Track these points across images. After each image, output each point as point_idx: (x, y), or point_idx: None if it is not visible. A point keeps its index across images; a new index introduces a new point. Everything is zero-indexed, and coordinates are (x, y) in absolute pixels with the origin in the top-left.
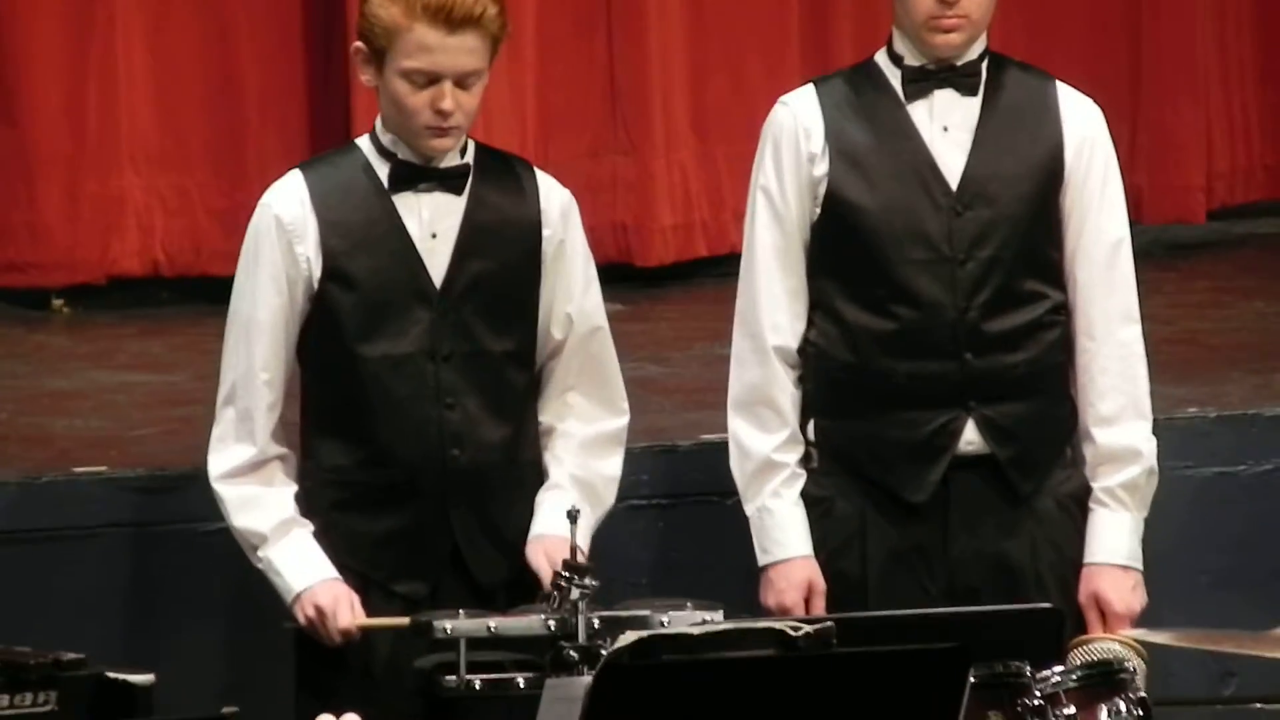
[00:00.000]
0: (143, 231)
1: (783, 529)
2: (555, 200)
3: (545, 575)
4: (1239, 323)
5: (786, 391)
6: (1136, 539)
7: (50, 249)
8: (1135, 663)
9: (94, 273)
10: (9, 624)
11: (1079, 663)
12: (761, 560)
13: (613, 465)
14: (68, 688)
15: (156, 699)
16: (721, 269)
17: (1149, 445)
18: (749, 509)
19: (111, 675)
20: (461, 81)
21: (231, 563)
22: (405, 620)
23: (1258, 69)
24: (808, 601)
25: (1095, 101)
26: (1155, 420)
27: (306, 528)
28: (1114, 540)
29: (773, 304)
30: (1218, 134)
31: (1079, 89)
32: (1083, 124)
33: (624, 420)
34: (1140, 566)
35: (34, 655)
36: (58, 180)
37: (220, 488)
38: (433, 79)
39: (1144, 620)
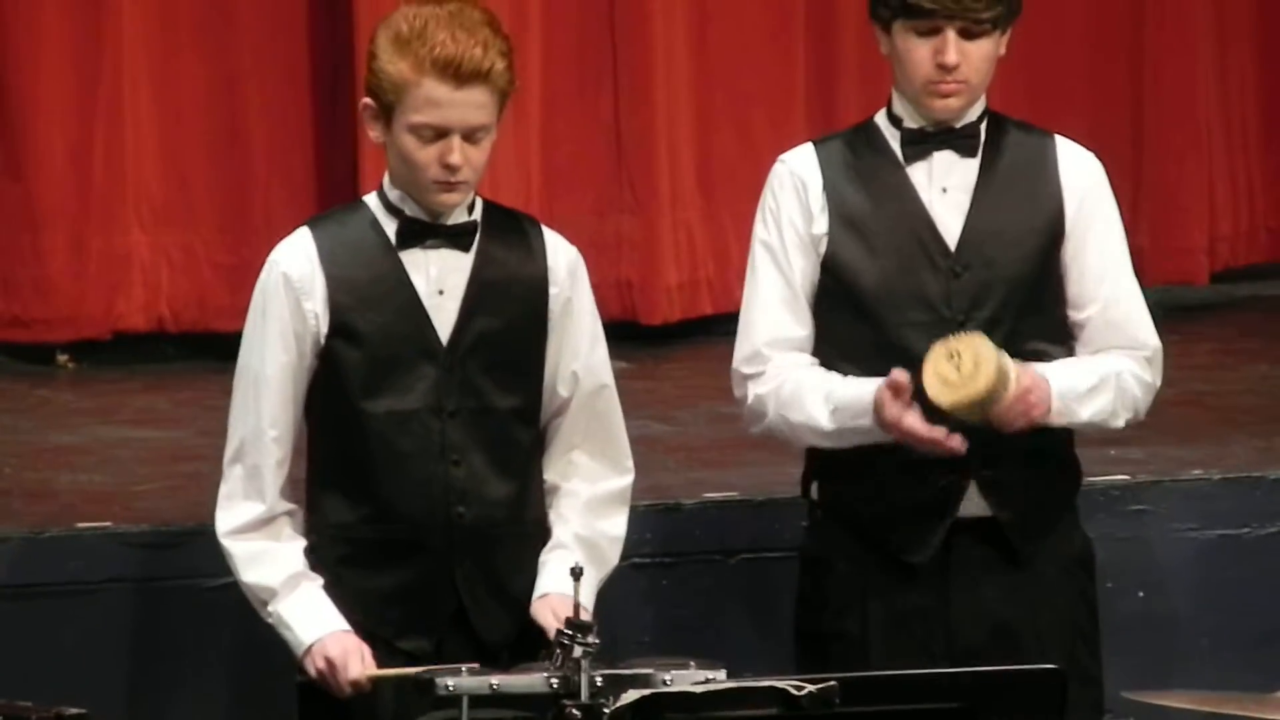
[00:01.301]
0: (148, 287)
1: (852, 390)
2: (563, 258)
3: (553, 631)
4: (1243, 385)
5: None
6: (1079, 394)
7: (55, 304)
8: (991, 369)
9: (99, 328)
10: (11, 678)
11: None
12: (869, 419)
13: (617, 525)
14: None
15: None
16: (726, 327)
17: (1147, 375)
18: (829, 424)
19: None
20: (470, 136)
21: (235, 619)
22: (414, 670)
23: (1261, 131)
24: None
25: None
26: (1160, 482)
27: (316, 581)
28: (1058, 371)
29: (772, 323)
30: (1221, 196)
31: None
32: (1082, 178)
33: (629, 479)
34: (1062, 420)
35: (36, 710)
36: (63, 236)
37: (228, 544)
38: (441, 133)
39: (1147, 682)
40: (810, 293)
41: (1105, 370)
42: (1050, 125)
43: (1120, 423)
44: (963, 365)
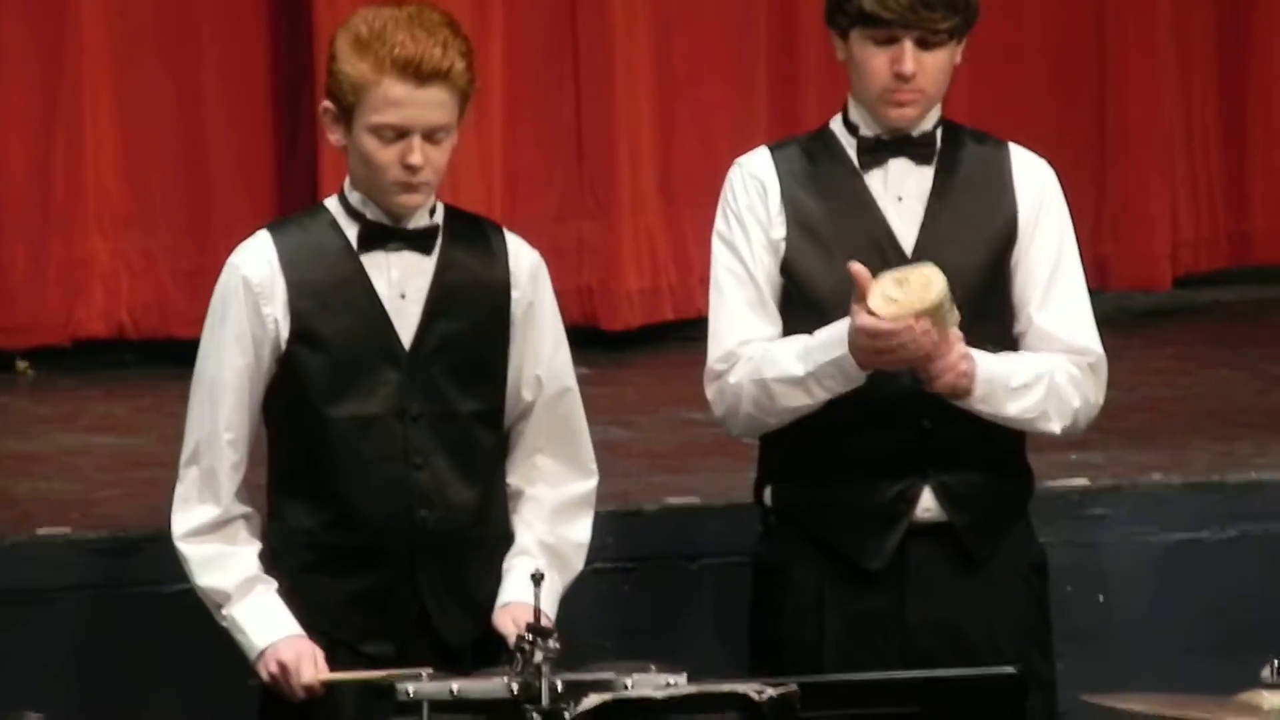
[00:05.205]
0: (108, 294)
1: (824, 332)
2: (525, 262)
3: (514, 641)
4: (1203, 390)
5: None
6: (1009, 388)
7: (15, 311)
8: (941, 286)
9: (59, 335)
10: None
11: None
12: (842, 349)
13: (582, 531)
14: None
15: None
16: (687, 333)
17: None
18: (800, 368)
19: None
20: (430, 136)
21: (194, 625)
22: (369, 674)
23: (1221, 138)
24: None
25: (1061, 168)
26: (1120, 487)
27: (270, 585)
28: (991, 359)
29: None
30: (1183, 202)
31: (1045, 156)
32: (1034, 186)
33: (593, 482)
34: (986, 407)
35: None
36: (23, 242)
37: (184, 547)
38: (401, 133)
39: (1107, 686)
40: (775, 291)
41: (1041, 369)
42: (1015, 133)
43: (1055, 427)
44: (911, 286)
